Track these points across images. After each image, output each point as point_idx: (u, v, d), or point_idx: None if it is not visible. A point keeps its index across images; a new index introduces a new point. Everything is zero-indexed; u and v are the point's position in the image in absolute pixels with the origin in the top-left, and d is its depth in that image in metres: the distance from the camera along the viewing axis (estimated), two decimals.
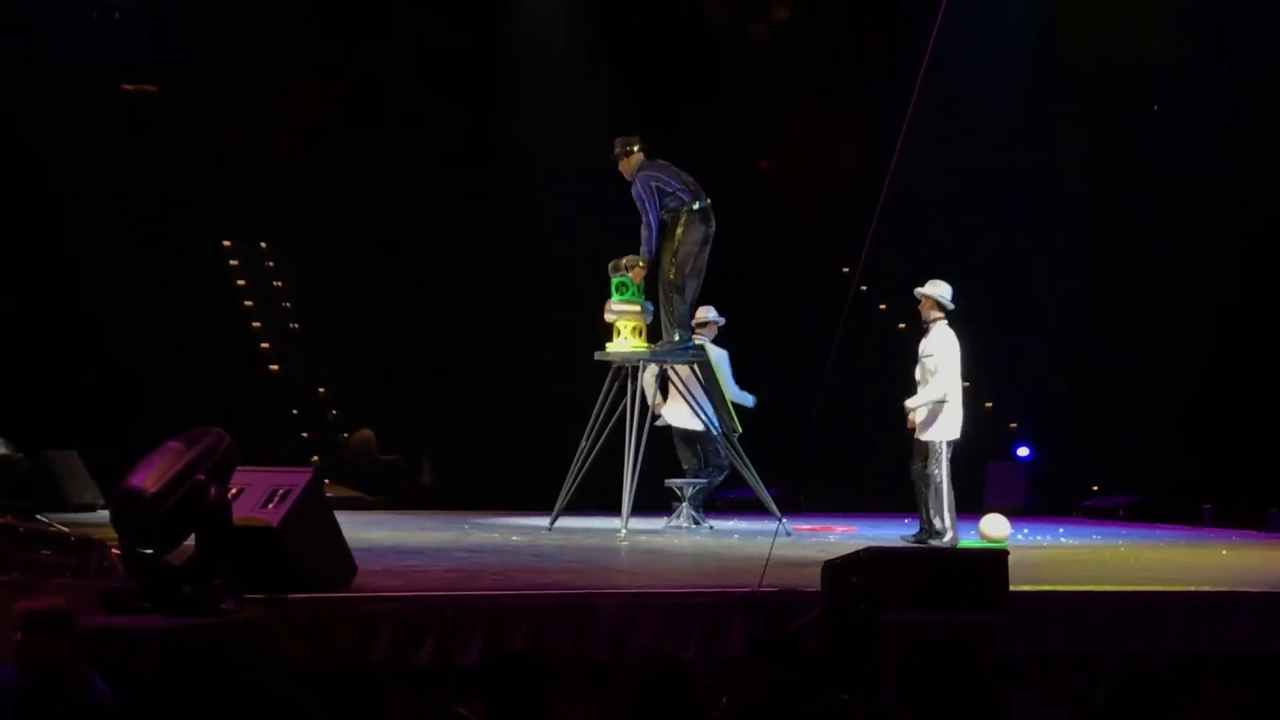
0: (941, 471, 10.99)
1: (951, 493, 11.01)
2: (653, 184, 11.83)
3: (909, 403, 11.20)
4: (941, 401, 11.06)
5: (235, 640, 6.65)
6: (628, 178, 11.94)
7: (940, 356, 11.11)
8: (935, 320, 11.20)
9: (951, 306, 11.25)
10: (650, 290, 12.08)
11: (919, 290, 11.31)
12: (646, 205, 11.81)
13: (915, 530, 11.26)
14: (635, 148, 11.93)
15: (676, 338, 11.89)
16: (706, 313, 12.60)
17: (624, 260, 11.97)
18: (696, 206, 11.83)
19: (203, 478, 7.00)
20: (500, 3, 16.93)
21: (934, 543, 10.91)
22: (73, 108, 15.42)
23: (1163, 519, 14.90)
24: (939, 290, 11.26)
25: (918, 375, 11.25)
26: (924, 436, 11.13)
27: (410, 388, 16.60)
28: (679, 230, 11.80)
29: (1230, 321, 15.93)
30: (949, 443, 11.06)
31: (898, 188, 8.70)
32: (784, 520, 11.88)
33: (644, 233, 11.82)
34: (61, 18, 15.59)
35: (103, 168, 15.60)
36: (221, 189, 16.58)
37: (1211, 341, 15.90)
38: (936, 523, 11.01)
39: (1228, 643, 8.09)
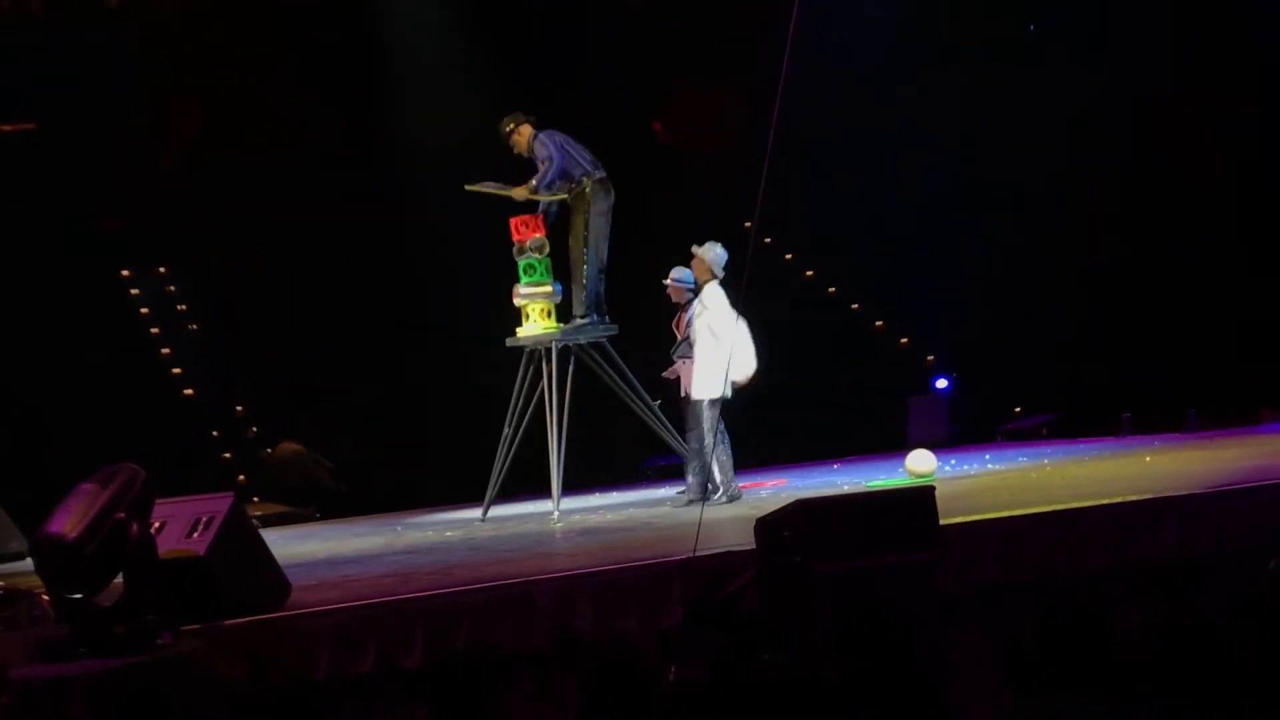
0: (713, 428, 11.16)
1: (726, 445, 11.27)
2: (558, 138, 11.70)
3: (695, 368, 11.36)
4: (712, 361, 11.24)
5: (174, 675, 6.61)
6: (524, 152, 11.83)
7: (712, 315, 11.33)
8: (705, 282, 11.42)
9: (721, 274, 11.42)
10: (560, 270, 12.04)
11: (695, 248, 11.49)
12: (549, 148, 11.56)
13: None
14: (522, 121, 11.83)
15: (586, 315, 11.87)
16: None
17: (529, 241, 11.91)
18: (599, 176, 11.72)
19: (123, 515, 6.94)
20: None
21: (716, 498, 11.15)
22: None
23: (1085, 433, 15.07)
24: (713, 254, 11.44)
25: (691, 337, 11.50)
26: (694, 396, 11.36)
27: (327, 394, 16.50)
28: (586, 202, 11.74)
29: (1127, 228, 16.13)
30: (715, 400, 11.26)
31: (786, 136, 8.74)
32: (713, 482, 11.96)
33: (544, 169, 11.54)
34: None
35: None
36: (113, 218, 16.36)
37: (1111, 251, 16.09)
38: (717, 478, 11.27)
39: (1157, 551, 8.22)
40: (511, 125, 11.82)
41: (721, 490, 11.39)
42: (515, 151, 11.87)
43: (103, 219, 16.32)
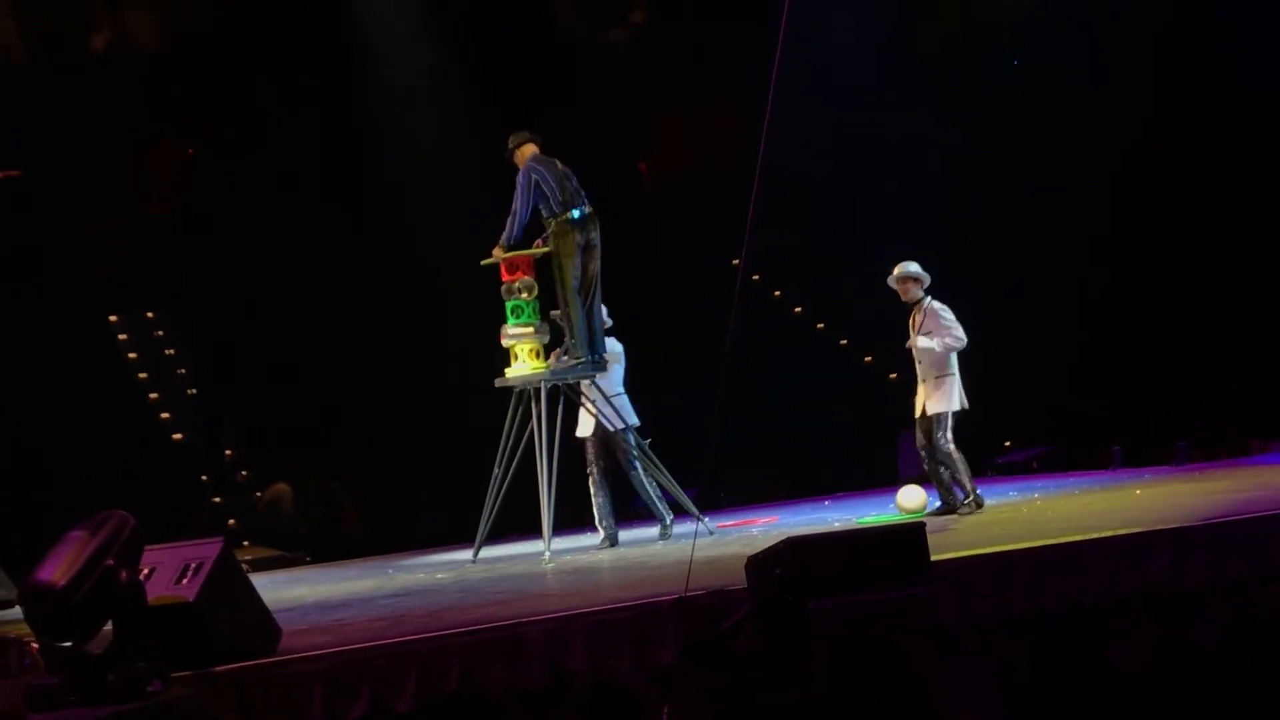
0: (949, 441, 11.45)
1: (963, 458, 11.50)
2: (534, 176, 11.63)
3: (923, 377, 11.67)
4: (947, 374, 11.48)
5: None
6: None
7: (942, 326, 11.56)
8: (921, 297, 11.66)
9: (928, 278, 11.67)
10: (550, 309, 12.01)
11: (890, 280, 11.77)
12: (518, 193, 11.62)
13: (938, 504, 11.67)
14: (525, 141, 11.82)
15: (571, 355, 11.83)
16: None
17: (516, 283, 11.90)
18: (568, 217, 11.62)
19: (111, 562, 6.91)
20: (350, 36, 16.81)
21: (963, 511, 11.36)
22: None
23: (1075, 466, 15.06)
24: (908, 270, 11.67)
25: (915, 355, 11.73)
26: (931, 410, 11.55)
27: (316, 436, 16.47)
28: (554, 245, 11.71)
29: (1114, 262, 16.15)
30: (954, 413, 11.51)
31: (772, 172, 8.77)
32: (705, 519, 11.94)
33: (508, 220, 11.68)
34: None
35: None
36: (99, 264, 16.36)
37: (1098, 286, 16.11)
38: (958, 493, 11.46)
39: (1149, 583, 8.20)
40: (514, 144, 11.85)
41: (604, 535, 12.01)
42: (515, 164, 11.87)
43: (89, 264, 16.30)
